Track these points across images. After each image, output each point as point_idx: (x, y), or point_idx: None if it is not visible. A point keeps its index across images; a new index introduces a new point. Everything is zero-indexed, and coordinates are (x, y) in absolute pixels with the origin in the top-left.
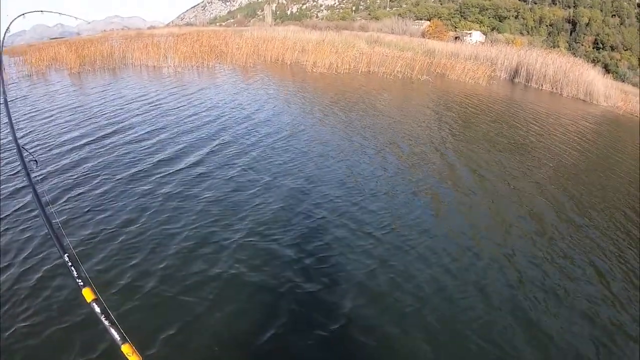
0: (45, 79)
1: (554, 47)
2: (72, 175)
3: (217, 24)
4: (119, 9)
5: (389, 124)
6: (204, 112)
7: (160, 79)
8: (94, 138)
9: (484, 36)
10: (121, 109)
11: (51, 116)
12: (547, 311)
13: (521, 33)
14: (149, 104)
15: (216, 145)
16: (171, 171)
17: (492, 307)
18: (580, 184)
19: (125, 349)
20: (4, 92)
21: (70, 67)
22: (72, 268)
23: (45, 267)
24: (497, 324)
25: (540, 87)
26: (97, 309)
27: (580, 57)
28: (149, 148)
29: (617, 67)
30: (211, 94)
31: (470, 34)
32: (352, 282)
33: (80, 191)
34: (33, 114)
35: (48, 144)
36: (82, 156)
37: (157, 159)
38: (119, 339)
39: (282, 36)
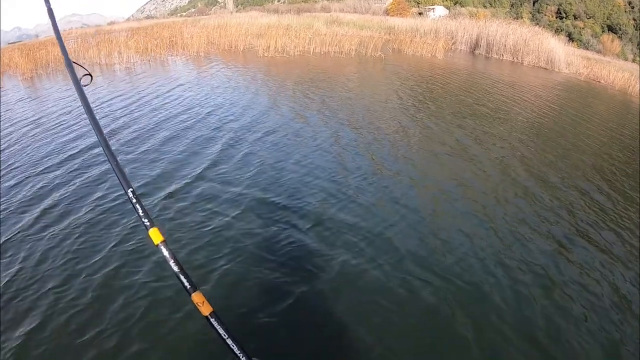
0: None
1: (517, 18)
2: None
3: (179, 14)
4: (77, 8)
5: (340, 101)
6: (150, 107)
7: (111, 77)
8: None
9: (447, 10)
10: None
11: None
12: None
13: (484, 6)
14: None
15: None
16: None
17: (472, 268)
18: (550, 146)
19: (196, 297)
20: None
21: (23, 73)
22: (137, 206)
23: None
24: (479, 293)
25: (501, 58)
26: (165, 252)
27: (543, 26)
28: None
29: (581, 35)
30: (157, 88)
31: (433, 9)
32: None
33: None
34: None
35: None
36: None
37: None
38: (188, 286)
39: (237, 22)
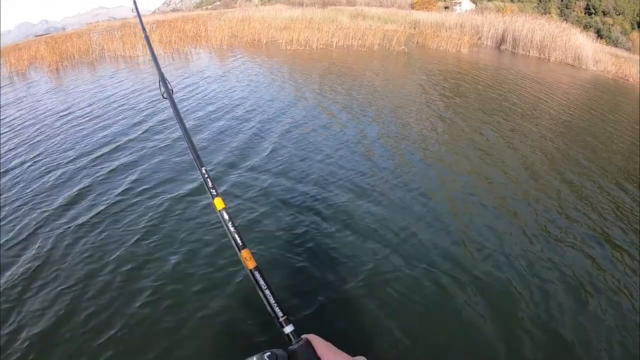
0: (24, 78)
1: (545, 14)
2: None
3: (204, 7)
4: (103, 1)
5: (365, 95)
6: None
7: (135, 69)
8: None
9: (474, 5)
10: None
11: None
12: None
13: (512, 0)
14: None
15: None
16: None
17: (493, 263)
18: (578, 145)
19: (245, 253)
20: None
21: (49, 65)
22: (208, 180)
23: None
24: (497, 283)
25: (527, 53)
26: (225, 216)
27: (571, 22)
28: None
29: (610, 32)
30: (180, 79)
31: (459, 3)
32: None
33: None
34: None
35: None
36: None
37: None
38: (240, 244)
39: (261, 15)
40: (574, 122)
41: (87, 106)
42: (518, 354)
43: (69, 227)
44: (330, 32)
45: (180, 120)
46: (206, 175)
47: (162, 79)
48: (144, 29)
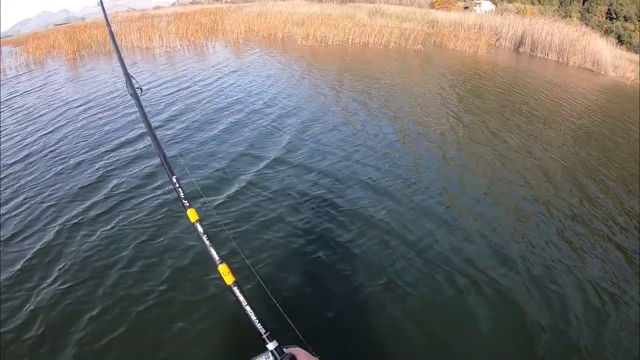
0: (42, 67)
1: (565, 17)
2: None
3: (223, 0)
4: None
5: (381, 93)
6: (186, 89)
7: (151, 60)
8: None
9: (494, 6)
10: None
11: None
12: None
13: (532, 2)
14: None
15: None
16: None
17: (506, 260)
18: (598, 152)
19: (222, 268)
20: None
21: (66, 54)
22: (180, 190)
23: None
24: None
25: (545, 57)
26: (200, 229)
27: (592, 27)
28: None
29: (631, 37)
30: (196, 71)
31: (479, 3)
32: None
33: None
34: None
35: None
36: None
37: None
38: (217, 258)
39: (278, 10)
40: (595, 129)
41: (103, 96)
42: None
43: (71, 221)
44: (346, 29)
45: (148, 123)
46: (177, 185)
47: (128, 77)
48: (108, 24)
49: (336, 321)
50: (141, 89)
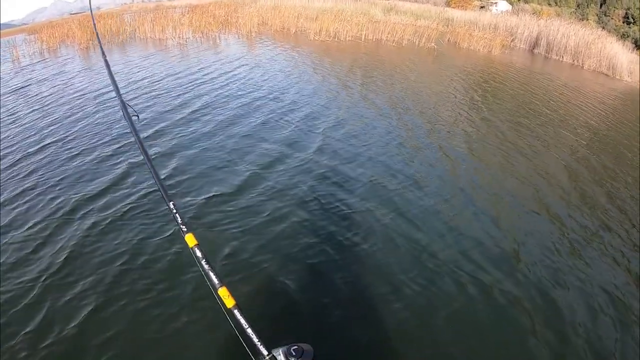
0: (55, 55)
1: (582, 20)
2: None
3: None
4: None
5: (394, 90)
6: (197, 81)
7: (164, 52)
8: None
9: (511, 6)
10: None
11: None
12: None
13: (549, 4)
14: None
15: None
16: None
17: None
18: (614, 157)
19: (222, 292)
20: (103, 53)
21: (80, 43)
22: (177, 215)
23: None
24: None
25: (560, 59)
26: (198, 254)
27: (609, 31)
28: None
29: None
30: (208, 63)
31: (496, 3)
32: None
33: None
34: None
35: None
36: None
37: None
38: (216, 282)
39: (292, 4)
40: (610, 134)
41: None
42: None
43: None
44: (360, 25)
45: (144, 150)
46: (174, 211)
47: (123, 105)
48: (94, 24)
49: (342, 324)
50: (137, 116)
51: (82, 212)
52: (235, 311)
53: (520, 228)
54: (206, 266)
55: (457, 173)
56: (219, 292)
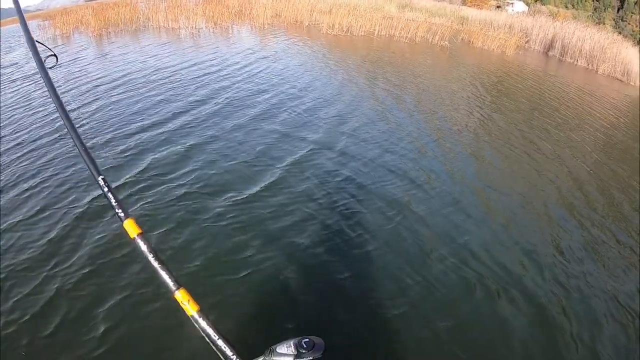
0: (68, 41)
1: (599, 23)
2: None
3: None
4: None
5: (406, 88)
6: (205, 70)
7: (176, 43)
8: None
9: (527, 7)
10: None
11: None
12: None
13: (566, 6)
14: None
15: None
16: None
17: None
18: (620, 162)
19: (182, 294)
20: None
21: (93, 30)
22: (109, 194)
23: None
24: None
25: (575, 62)
26: (143, 246)
27: (625, 36)
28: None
29: None
30: (223, 53)
31: (512, 3)
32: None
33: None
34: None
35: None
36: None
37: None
38: (171, 283)
39: None
40: (625, 140)
41: (128, 75)
42: None
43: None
44: (373, 20)
45: (59, 103)
46: (106, 188)
47: (32, 44)
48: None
49: (350, 320)
50: (56, 57)
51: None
52: (200, 319)
53: (529, 230)
54: (155, 263)
55: (467, 174)
56: (175, 296)
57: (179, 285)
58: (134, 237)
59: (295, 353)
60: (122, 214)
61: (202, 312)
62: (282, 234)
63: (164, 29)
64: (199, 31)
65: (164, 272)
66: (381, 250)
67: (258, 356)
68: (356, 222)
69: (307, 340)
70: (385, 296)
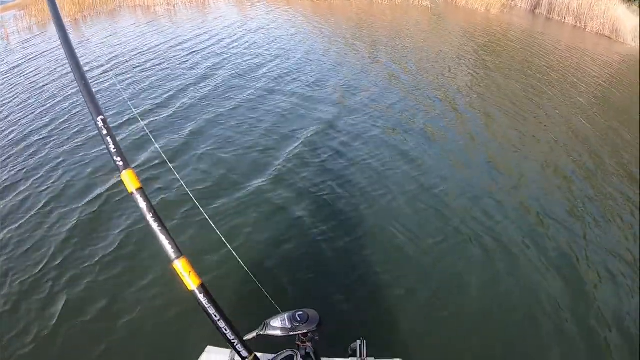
0: (45, 29)
1: None
2: None
3: None
4: None
5: (392, 52)
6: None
7: (156, 20)
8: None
9: None
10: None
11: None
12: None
13: None
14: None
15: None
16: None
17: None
18: (616, 119)
19: (182, 263)
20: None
21: (68, 15)
22: (109, 140)
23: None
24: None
25: (562, 20)
26: (142, 203)
27: None
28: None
29: None
30: (200, 27)
31: None
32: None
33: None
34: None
35: None
36: None
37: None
38: (171, 250)
39: None
40: (617, 96)
41: (113, 59)
42: None
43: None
44: None
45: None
46: (105, 131)
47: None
48: None
49: (351, 297)
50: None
51: None
52: (200, 294)
53: (532, 186)
54: (155, 225)
55: (475, 132)
56: (174, 264)
57: (180, 253)
58: (132, 192)
59: (289, 326)
60: (121, 163)
61: (204, 287)
62: (278, 208)
63: (139, 7)
64: (174, 7)
65: (164, 236)
66: (380, 215)
67: (252, 330)
68: (354, 189)
69: (300, 313)
70: (384, 269)
